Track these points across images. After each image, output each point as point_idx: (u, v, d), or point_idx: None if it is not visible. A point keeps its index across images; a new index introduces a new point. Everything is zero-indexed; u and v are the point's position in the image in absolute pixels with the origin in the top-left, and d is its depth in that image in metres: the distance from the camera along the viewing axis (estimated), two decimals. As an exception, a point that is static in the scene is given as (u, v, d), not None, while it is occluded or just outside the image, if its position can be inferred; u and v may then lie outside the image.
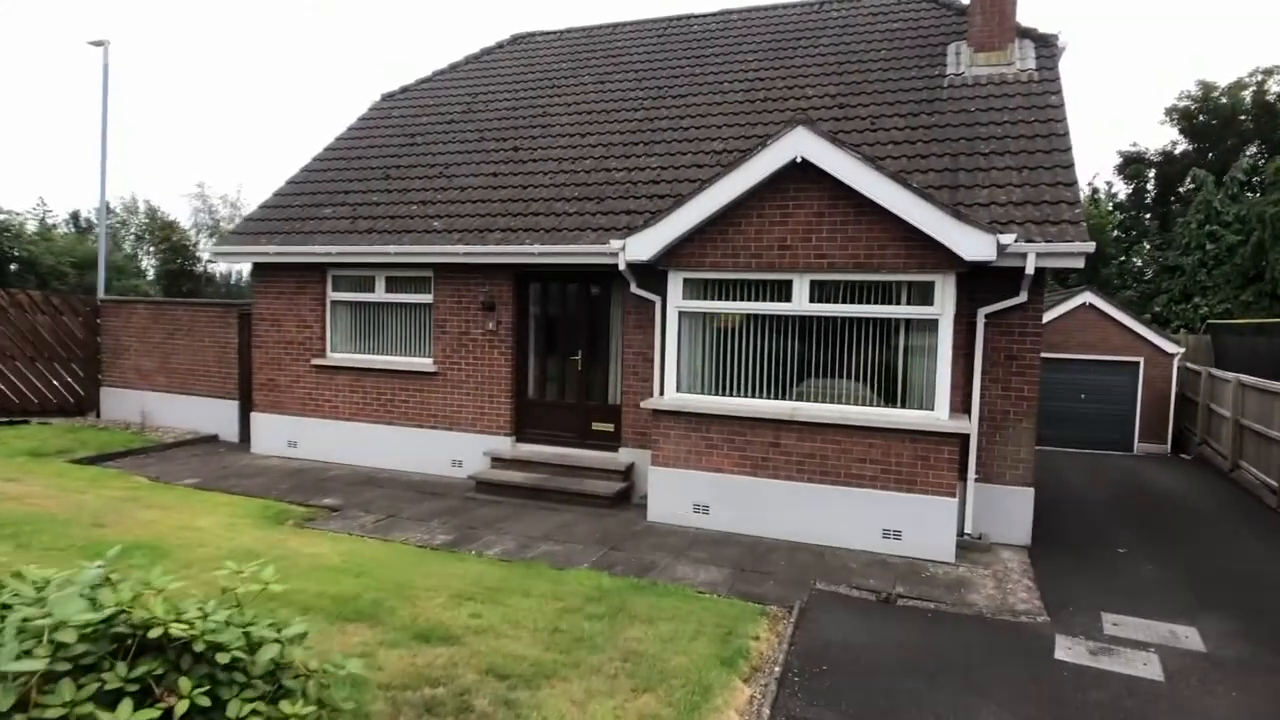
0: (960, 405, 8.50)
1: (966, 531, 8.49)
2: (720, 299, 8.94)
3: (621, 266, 9.41)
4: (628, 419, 10.18)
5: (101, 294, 16.03)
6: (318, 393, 12.03)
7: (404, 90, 15.55)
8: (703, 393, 9.06)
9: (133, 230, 45.99)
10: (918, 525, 8.01)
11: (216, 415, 13.59)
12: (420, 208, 11.56)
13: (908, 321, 8.25)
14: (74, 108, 64.88)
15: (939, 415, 8.02)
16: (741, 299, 8.83)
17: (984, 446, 8.67)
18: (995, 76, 10.67)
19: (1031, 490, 8.64)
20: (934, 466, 7.98)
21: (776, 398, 8.72)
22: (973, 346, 8.58)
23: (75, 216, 45.35)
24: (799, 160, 8.15)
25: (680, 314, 9.06)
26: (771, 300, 8.70)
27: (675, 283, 9.02)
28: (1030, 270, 7.89)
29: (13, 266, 29.64)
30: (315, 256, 11.44)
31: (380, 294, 11.69)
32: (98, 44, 17.11)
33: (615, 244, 8.97)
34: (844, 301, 8.44)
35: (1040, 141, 9.36)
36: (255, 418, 12.53)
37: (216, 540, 7.41)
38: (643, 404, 9.24)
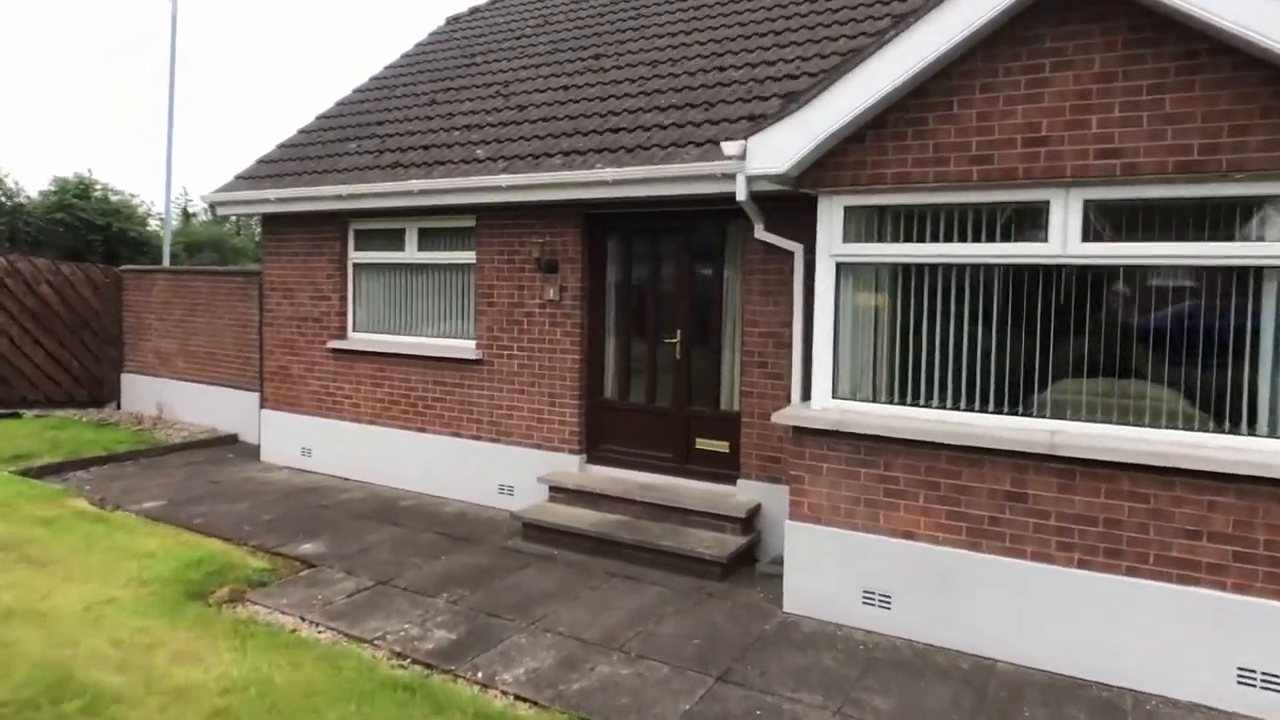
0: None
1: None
2: (907, 240, 5.26)
3: (741, 195, 5.88)
4: (751, 435, 6.63)
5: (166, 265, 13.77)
6: (335, 386, 9.07)
7: (473, 11, 12.47)
8: (878, 400, 5.42)
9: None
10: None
11: (238, 410, 10.89)
12: (464, 133, 8.36)
13: (1289, 274, 4.35)
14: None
15: (1365, 455, 4.09)
16: (946, 239, 5.13)
17: None
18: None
19: None
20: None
21: (1013, 411, 4.98)
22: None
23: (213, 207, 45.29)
24: (1077, -26, 4.38)
25: (839, 267, 5.43)
26: (1004, 240, 4.97)
27: (830, 214, 5.41)
28: None
29: (123, 249, 28.92)
30: (325, 202, 8.43)
31: (411, 253, 8.58)
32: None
33: (730, 148, 5.38)
34: (1148, 238, 4.61)
35: None
36: (265, 416, 9.73)
37: (44, 647, 4.40)
38: (775, 417, 5.68)
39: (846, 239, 5.39)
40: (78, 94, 53.74)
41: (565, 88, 8.49)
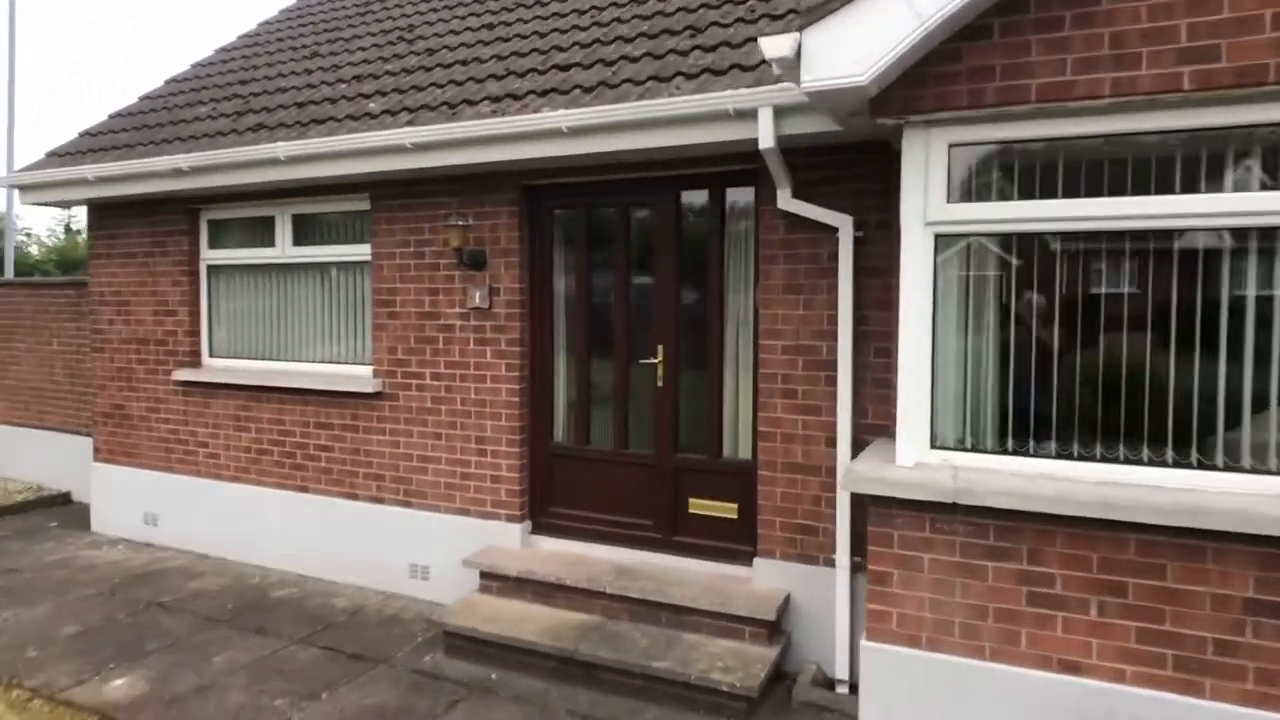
0: None
1: None
2: (1054, 195, 3.33)
3: (765, 141, 3.93)
4: (773, 494, 4.61)
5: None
6: (187, 431, 6.70)
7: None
8: (1006, 449, 3.47)
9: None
10: None
11: (72, 460, 8.29)
12: (353, 85, 6.15)
13: None
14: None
15: None
16: (1128, 191, 3.21)
17: None
18: None
19: None
20: None
21: (1259, 467, 3.09)
22: None
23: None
24: None
25: (941, 243, 3.47)
26: (1232, 192, 3.09)
27: (928, 157, 3.43)
28: None
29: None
30: (162, 180, 6.08)
31: (284, 249, 6.31)
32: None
33: (777, 45, 3.22)
34: None
35: None
36: (97, 472, 7.25)
37: None
38: (846, 479, 3.71)
39: (953, 197, 3.43)
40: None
41: (490, 25, 6.37)
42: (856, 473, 3.53)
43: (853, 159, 4.27)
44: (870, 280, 4.31)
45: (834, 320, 4.37)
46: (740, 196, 4.76)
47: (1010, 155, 3.38)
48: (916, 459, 3.56)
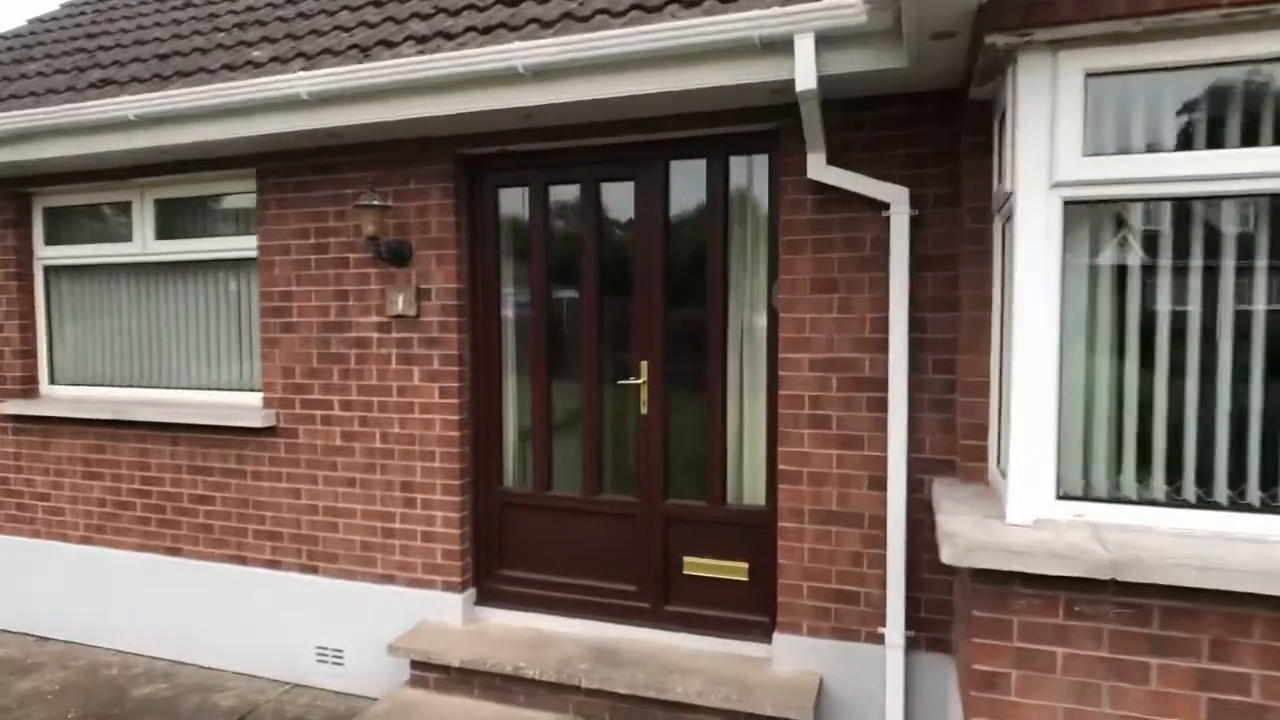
0: None
1: None
2: (1223, 145, 2.38)
3: (805, 81, 2.89)
4: (797, 551, 3.55)
5: None
6: (20, 478, 5.22)
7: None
8: (1149, 496, 2.50)
9: None
10: None
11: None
12: (235, 33, 4.82)
13: None
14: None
15: None
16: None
17: None
18: None
19: None
20: None
21: None
22: None
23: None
24: None
25: (1067, 209, 2.48)
26: None
27: (1054, 93, 2.43)
28: None
29: None
30: (-29, 153, 4.64)
31: (145, 244, 4.92)
32: None
33: None
34: None
35: None
36: (-100, 533, 5.66)
37: None
38: (950, 550, 2.66)
39: (1091, 148, 2.44)
40: None
41: (411, -33, 5.15)
42: (963, 537, 2.49)
43: (906, 114, 3.28)
44: (928, 274, 3.31)
45: (880, 325, 3.36)
46: (750, 166, 3.70)
47: (1159, 90, 2.42)
48: (1036, 514, 2.56)
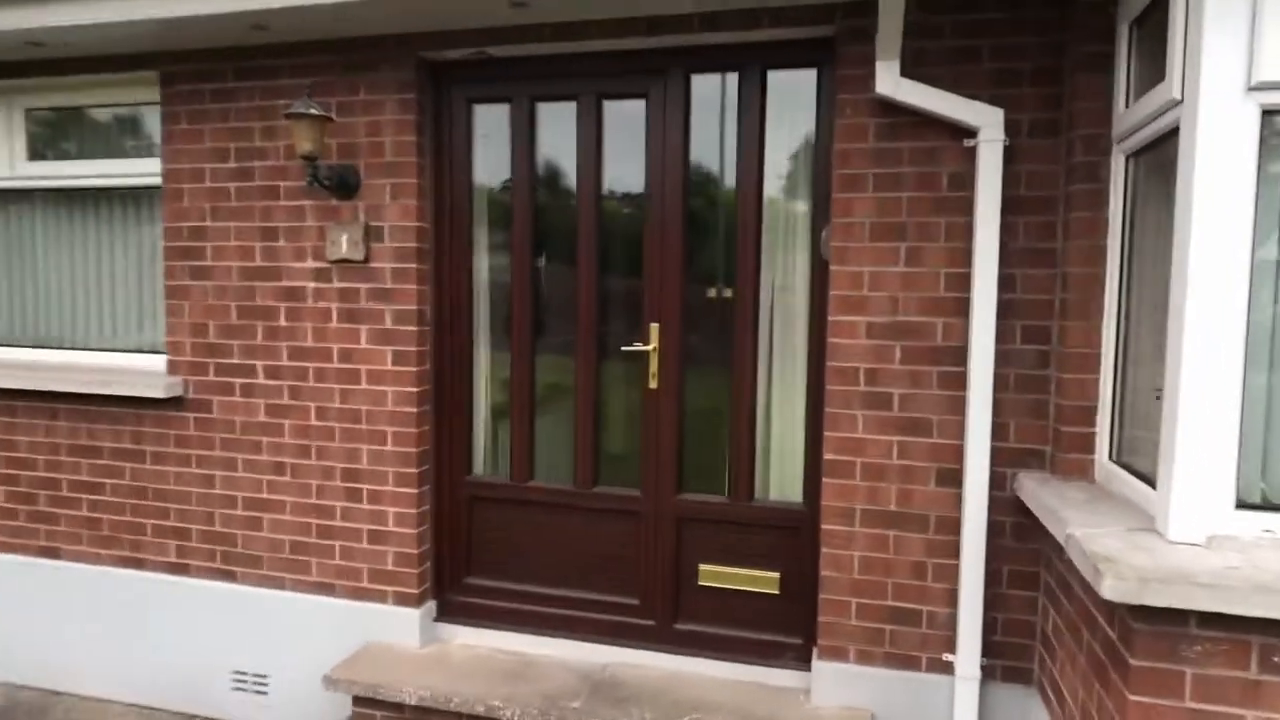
0: None
1: None
2: None
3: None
4: (845, 561, 2.88)
5: None
6: None
7: None
8: (1405, 514, 1.89)
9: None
10: None
11: None
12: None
13: None
14: None
15: None
16: None
17: None
18: None
19: None
20: None
21: None
22: None
23: None
24: None
25: (1265, 120, 1.85)
26: None
27: (1278, -35, 1.79)
28: None
29: None
30: None
31: (14, 165, 3.92)
32: None
33: None
34: None
35: None
36: None
37: None
38: (1115, 563, 2.01)
39: (1323, 35, 1.80)
40: None
41: None
42: (1127, 564, 1.84)
43: (998, 20, 2.61)
44: (1020, 219, 2.66)
45: (959, 283, 2.70)
46: (795, 82, 2.97)
47: None
48: (1210, 529, 1.94)
